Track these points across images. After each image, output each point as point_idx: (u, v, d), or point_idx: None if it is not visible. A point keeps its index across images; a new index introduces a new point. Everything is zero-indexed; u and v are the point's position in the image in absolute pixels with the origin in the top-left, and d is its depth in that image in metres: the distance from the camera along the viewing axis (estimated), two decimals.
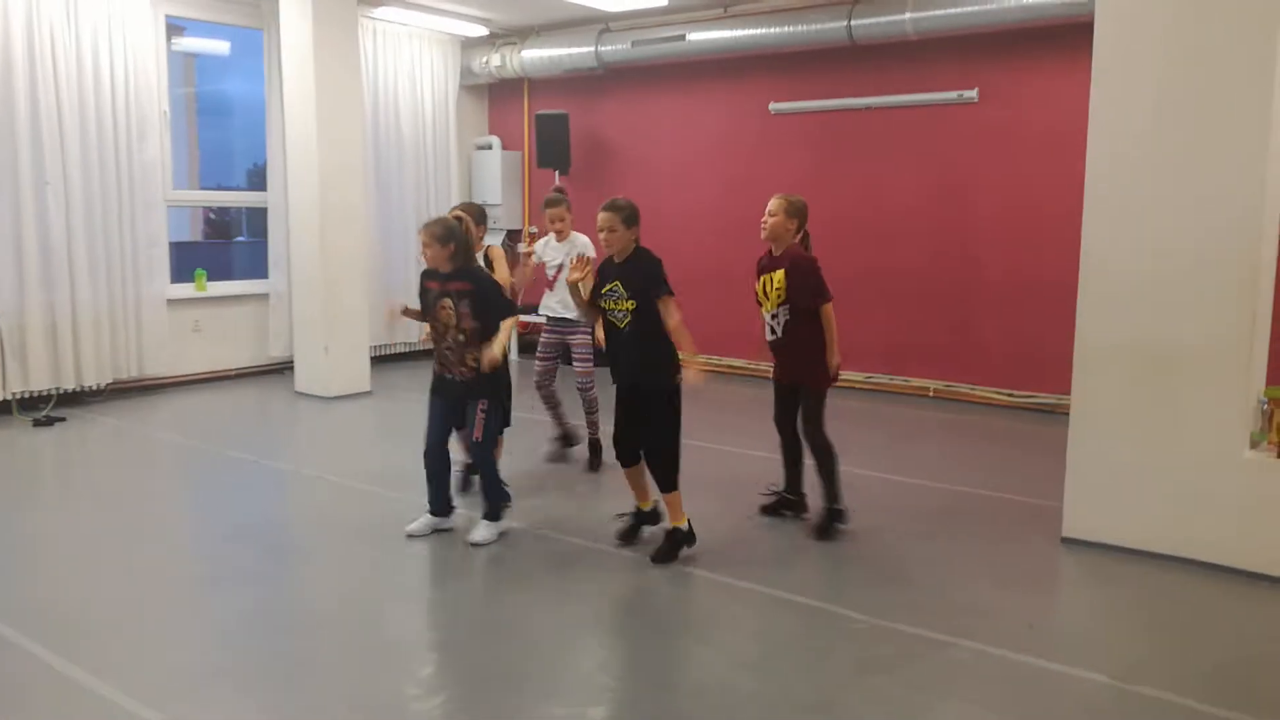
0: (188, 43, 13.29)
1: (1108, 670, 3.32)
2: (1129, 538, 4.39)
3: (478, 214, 5.08)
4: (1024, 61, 7.27)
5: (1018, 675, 3.33)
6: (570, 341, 5.69)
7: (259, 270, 9.00)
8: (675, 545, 4.29)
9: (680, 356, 4.25)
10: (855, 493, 5.21)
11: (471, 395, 4.49)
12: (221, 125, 18.12)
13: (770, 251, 4.68)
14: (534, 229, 10.02)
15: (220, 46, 13.72)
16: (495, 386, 4.56)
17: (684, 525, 4.31)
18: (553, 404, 5.82)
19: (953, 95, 7.56)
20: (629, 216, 4.20)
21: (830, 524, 4.62)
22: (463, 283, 4.42)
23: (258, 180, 14.14)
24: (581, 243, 5.60)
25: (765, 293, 4.62)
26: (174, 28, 8.08)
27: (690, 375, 4.21)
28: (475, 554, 4.40)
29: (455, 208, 5.05)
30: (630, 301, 4.18)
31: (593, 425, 5.75)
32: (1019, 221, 7.41)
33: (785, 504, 4.89)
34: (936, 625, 3.66)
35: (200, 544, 4.66)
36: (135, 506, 5.15)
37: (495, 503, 4.58)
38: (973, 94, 7.48)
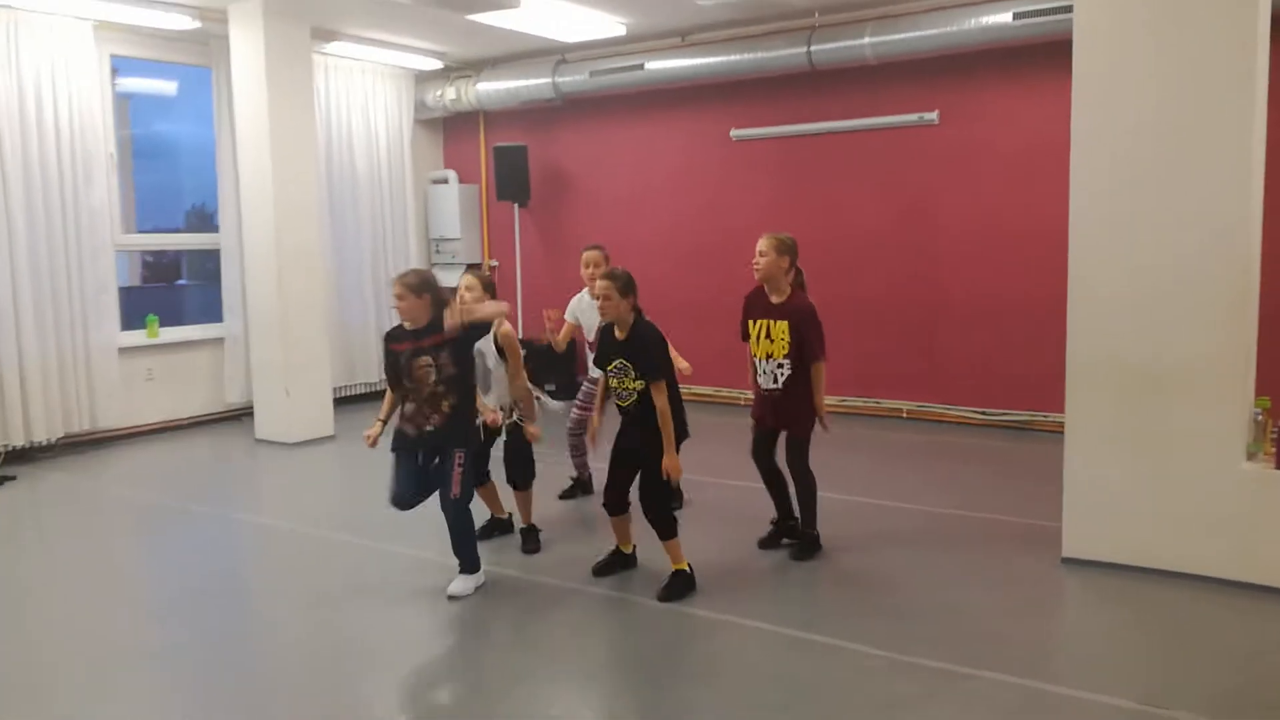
0: (123, 83, 12.95)
1: (1134, 695, 3.25)
2: (1131, 555, 4.36)
3: (485, 282, 4.79)
4: (983, 82, 7.35)
5: (1043, 704, 3.25)
6: None
7: (206, 314, 8.70)
8: (682, 585, 4.23)
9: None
10: (847, 520, 5.16)
11: (445, 445, 4.23)
12: (155, 168, 17.71)
13: (764, 290, 4.61)
14: (494, 262, 9.87)
15: (159, 86, 13.41)
16: (469, 436, 4.35)
17: (686, 568, 4.28)
18: (579, 453, 5.67)
19: (913, 117, 7.62)
20: (625, 286, 4.15)
21: (810, 547, 4.68)
22: (439, 335, 4.19)
23: (196, 222, 13.75)
24: None
25: (767, 337, 4.55)
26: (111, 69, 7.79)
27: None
28: (462, 603, 4.21)
29: (467, 272, 4.85)
30: (638, 381, 4.15)
31: None
32: (983, 240, 7.46)
33: (783, 533, 4.80)
34: (953, 656, 3.58)
35: (164, 606, 4.40)
36: (94, 567, 4.88)
37: (471, 555, 4.34)
38: (933, 116, 7.53)
